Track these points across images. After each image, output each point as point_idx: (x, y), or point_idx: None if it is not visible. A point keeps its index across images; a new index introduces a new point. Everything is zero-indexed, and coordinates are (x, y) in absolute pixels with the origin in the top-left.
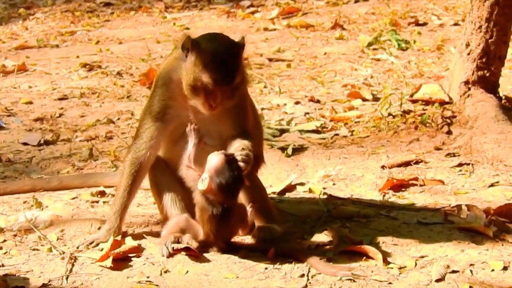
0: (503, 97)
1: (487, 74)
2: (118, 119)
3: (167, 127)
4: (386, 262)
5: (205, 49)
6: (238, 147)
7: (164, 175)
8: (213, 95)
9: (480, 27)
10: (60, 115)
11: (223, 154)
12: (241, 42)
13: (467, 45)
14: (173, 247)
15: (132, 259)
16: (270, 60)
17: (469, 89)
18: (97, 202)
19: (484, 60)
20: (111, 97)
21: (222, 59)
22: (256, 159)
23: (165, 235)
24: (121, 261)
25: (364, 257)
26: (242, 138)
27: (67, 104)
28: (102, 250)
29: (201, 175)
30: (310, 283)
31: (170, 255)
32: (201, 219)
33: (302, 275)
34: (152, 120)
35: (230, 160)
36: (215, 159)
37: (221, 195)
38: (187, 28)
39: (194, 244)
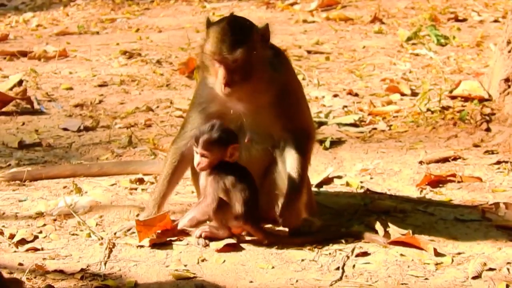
0: None
1: None
2: (157, 107)
3: (210, 118)
4: (436, 253)
5: (213, 25)
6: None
7: None
8: (219, 69)
9: None
10: (100, 101)
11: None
12: (261, 27)
13: (508, 42)
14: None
15: (169, 246)
16: (309, 52)
17: (509, 86)
18: (136, 189)
19: None
20: (151, 85)
21: (224, 31)
22: (304, 159)
23: (203, 226)
24: (160, 246)
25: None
26: (288, 138)
27: (107, 91)
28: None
29: None
30: (346, 275)
31: (206, 245)
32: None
33: (338, 268)
34: (196, 111)
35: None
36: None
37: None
38: None
39: (232, 240)
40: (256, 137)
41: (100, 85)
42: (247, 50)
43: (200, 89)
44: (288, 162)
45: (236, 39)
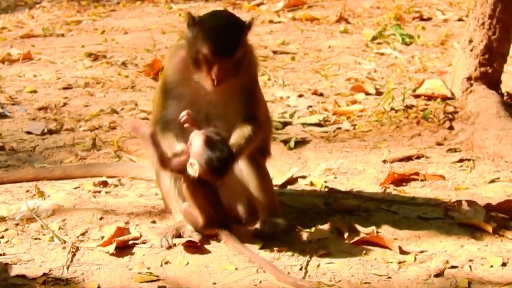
0: (505, 94)
1: (490, 71)
2: (122, 109)
3: (180, 105)
4: (400, 251)
5: (205, 22)
6: (235, 135)
7: None
8: (214, 68)
9: (483, 23)
10: (64, 104)
11: (203, 134)
12: (247, 21)
13: (470, 41)
14: (174, 243)
15: (134, 249)
16: (275, 52)
17: (472, 85)
18: (99, 192)
19: (486, 56)
20: (115, 87)
21: (221, 30)
22: (262, 151)
23: (167, 227)
24: (123, 249)
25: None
26: (247, 125)
27: (71, 94)
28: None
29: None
30: (309, 276)
31: (170, 247)
32: (196, 202)
33: (301, 268)
34: (167, 98)
35: (211, 138)
36: (196, 141)
37: (213, 175)
38: None
39: (196, 237)
40: (219, 122)
41: (65, 88)
42: (242, 47)
43: (168, 76)
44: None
45: (234, 37)
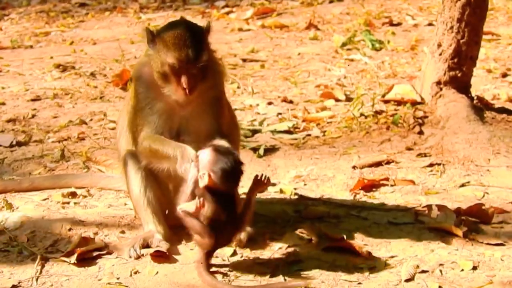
0: (475, 97)
1: (459, 75)
2: (91, 120)
3: (159, 120)
4: (370, 257)
5: (165, 33)
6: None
7: (143, 175)
8: (182, 77)
9: (451, 27)
10: (33, 116)
11: (211, 147)
12: (205, 25)
13: (439, 45)
14: (142, 254)
15: (101, 260)
16: (244, 60)
17: (441, 89)
18: (68, 203)
19: (455, 60)
20: (84, 98)
21: (182, 37)
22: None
23: (135, 237)
24: (89, 260)
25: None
26: (219, 136)
27: (40, 105)
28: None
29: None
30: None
31: (138, 257)
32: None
33: (271, 275)
34: (146, 115)
35: (220, 149)
36: (205, 153)
37: (224, 183)
38: None
39: (164, 246)
40: (187, 136)
41: (33, 100)
42: (206, 51)
43: (139, 95)
44: None
45: (197, 44)
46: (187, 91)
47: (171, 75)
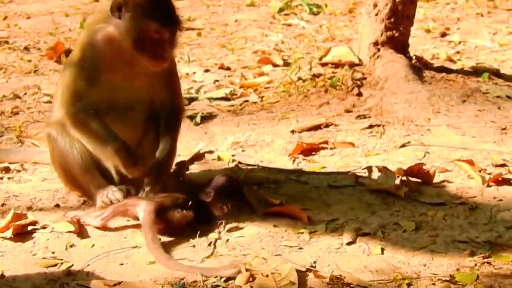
0: (414, 57)
1: (396, 34)
2: (25, 94)
3: (99, 91)
4: (310, 221)
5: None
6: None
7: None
8: (161, 43)
9: None
10: None
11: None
12: None
13: (375, 5)
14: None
15: (37, 235)
16: None
17: (379, 50)
18: (1, 178)
19: (392, 20)
20: (18, 72)
21: (163, 2)
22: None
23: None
24: (23, 235)
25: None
26: (173, 113)
27: None
28: None
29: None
30: (216, 251)
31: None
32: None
33: (210, 244)
34: (84, 84)
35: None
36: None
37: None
38: (97, 0)
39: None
40: (138, 105)
41: None
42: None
43: (85, 62)
44: (162, 130)
45: (174, 8)
46: (164, 57)
47: (148, 42)
